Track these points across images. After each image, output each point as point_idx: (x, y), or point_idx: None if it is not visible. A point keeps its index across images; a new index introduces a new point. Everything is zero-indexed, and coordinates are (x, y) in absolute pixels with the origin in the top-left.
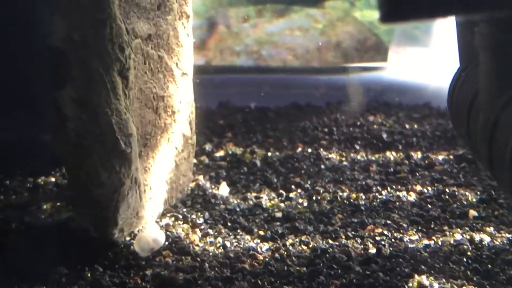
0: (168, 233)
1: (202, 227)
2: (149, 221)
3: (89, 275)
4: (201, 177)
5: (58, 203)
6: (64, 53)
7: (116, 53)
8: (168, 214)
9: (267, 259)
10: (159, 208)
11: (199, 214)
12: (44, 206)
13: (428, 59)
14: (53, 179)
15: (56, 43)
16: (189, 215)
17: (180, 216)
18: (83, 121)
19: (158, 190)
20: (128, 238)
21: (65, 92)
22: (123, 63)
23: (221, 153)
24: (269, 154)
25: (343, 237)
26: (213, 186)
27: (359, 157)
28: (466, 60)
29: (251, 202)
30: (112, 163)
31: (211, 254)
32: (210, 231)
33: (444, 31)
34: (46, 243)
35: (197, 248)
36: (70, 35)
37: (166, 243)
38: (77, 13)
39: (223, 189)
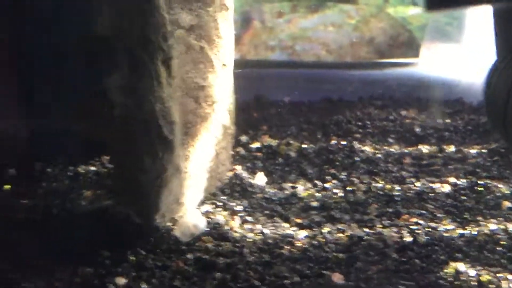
0: (208, 219)
1: (241, 214)
2: (189, 208)
3: (132, 258)
4: (238, 167)
5: (98, 191)
6: (111, 41)
7: (160, 43)
8: (208, 202)
9: (305, 246)
10: (199, 196)
11: (237, 202)
12: (85, 193)
13: (460, 55)
14: (93, 168)
15: (103, 31)
16: (228, 203)
17: (220, 204)
18: (129, 108)
19: (198, 178)
20: (169, 224)
21: (111, 80)
22: (166, 53)
23: (256, 145)
24: (304, 146)
25: (379, 225)
26: (250, 176)
27: (392, 150)
28: (503, 52)
29: (287, 192)
30: (156, 150)
31: (250, 240)
32: (248, 218)
33: (476, 27)
34: (87, 228)
35: (236, 234)
36: (116, 24)
37: (206, 229)
38: (123, 2)
39: (260, 179)
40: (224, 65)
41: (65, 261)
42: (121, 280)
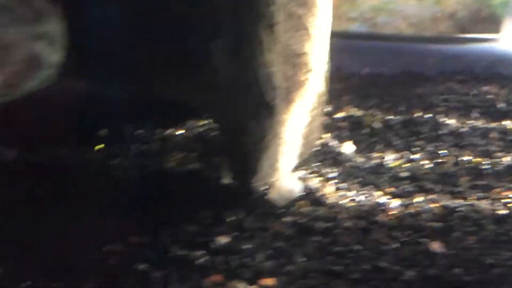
0: (302, 184)
1: (334, 181)
2: (285, 173)
3: (230, 219)
4: (326, 136)
5: (188, 154)
6: (217, 7)
7: (263, 9)
8: (302, 168)
9: (399, 214)
10: (294, 161)
11: (329, 169)
12: (176, 155)
13: None
14: (182, 131)
15: None
16: (321, 170)
17: (313, 170)
18: (233, 72)
19: (293, 143)
20: (265, 188)
21: (217, 44)
22: (269, 19)
23: (340, 115)
24: (388, 117)
25: (471, 197)
26: (338, 145)
27: (477, 124)
28: None
29: (376, 162)
30: (258, 114)
31: (344, 206)
32: (341, 185)
33: None
34: (182, 190)
35: (330, 200)
36: None
37: (301, 194)
38: None
39: (348, 148)
40: (321, 33)
41: (165, 221)
42: (223, 239)
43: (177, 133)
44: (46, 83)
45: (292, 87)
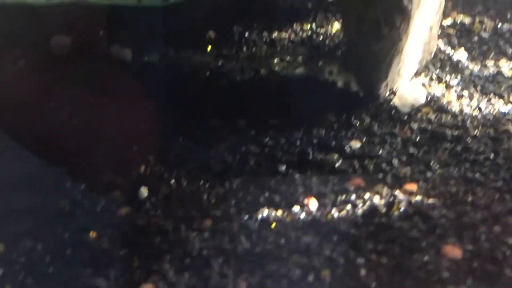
0: (425, 91)
1: (456, 88)
2: (407, 79)
3: (358, 123)
4: (439, 42)
5: (296, 57)
6: None
7: None
8: (422, 74)
9: None
10: (415, 67)
11: (449, 76)
12: (287, 58)
13: None
14: (287, 35)
15: None
16: (441, 77)
17: (434, 76)
18: None
19: (415, 49)
20: (388, 94)
21: None
22: None
23: (448, 21)
24: (498, 25)
25: None
26: (451, 51)
27: None
28: None
29: (491, 70)
30: (394, 19)
31: (470, 114)
32: (463, 93)
33: None
34: (302, 94)
35: (454, 108)
36: None
37: (425, 101)
38: None
39: (461, 55)
40: None
41: (293, 124)
42: (356, 144)
43: (283, 36)
44: None
45: None
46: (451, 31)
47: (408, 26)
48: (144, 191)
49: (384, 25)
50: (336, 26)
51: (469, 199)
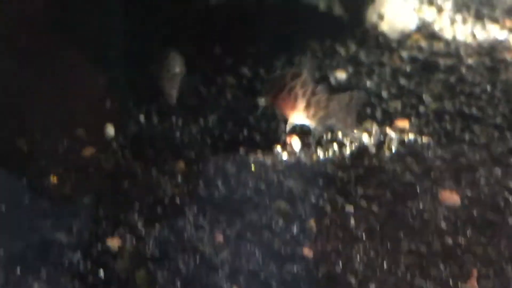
0: (416, 16)
1: (448, 13)
2: (396, 3)
3: (343, 51)
4: None
5: None
6: None
7: None
8: None
9: None
10: None
11: None
12: None
13: None
14: None
15: None
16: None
17: (425, 0)
18: None
19: None
20: (375, 18)
21: None
22: None
23: None
24: None
25: None
26: None
27: None
28: None
29: None
30: None
31: (463, 41)
32: (456, 17)
33: None
34: (282, 19)
35: (447, 34)
36: None
37: (415, 26)
38: None
39: None
40: None
41: (271, 52)
42: (341, 74)
43: None
44: None
45: None
46: None
47: None
48: (110, 129)
49: None
50: None
51: (466, 137)
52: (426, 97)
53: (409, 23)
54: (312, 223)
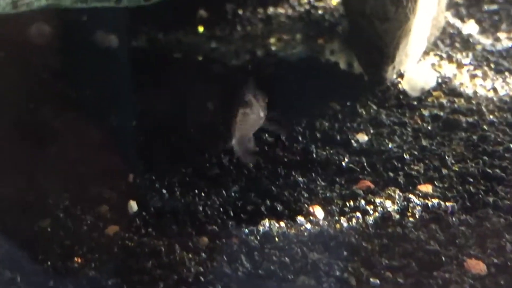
0: (435, 73)
1: (468, 67)
2: (415, 60)
3: (363, 112)
4: (447, 13)
5: (293, 35)
6: None
7: None
8: (431, 53)
9: None
10: (423, 46)
11: (460, 54)
12: (284, 37)
13: None
14: (282, 11)
15: None
16: (452, 55)
17: (444, 55)
18: None
19: (422, 26)
20: (395, 77)
21: None
22: None
23: None
24: None
25: None
26: (460, 24)
27: None
28: None
29: (505, 44)
30: None
31: (484, 96)
32: (476, 72)
33: None
34: (301, 76)
35: (468, 90)
36: None
37: (435, 83)
38: None
39: (471, 27)
40: None
41: (293, 110)
42: (363, 137)
43: (279, 11)
44: None
45: None
46: (459, 0)
47: (416, 3)
48: (133, 205)
49: (390, 4)
50: None
51: (490, 200)
52: (448, 159)
53: (429, 80)
54: None
